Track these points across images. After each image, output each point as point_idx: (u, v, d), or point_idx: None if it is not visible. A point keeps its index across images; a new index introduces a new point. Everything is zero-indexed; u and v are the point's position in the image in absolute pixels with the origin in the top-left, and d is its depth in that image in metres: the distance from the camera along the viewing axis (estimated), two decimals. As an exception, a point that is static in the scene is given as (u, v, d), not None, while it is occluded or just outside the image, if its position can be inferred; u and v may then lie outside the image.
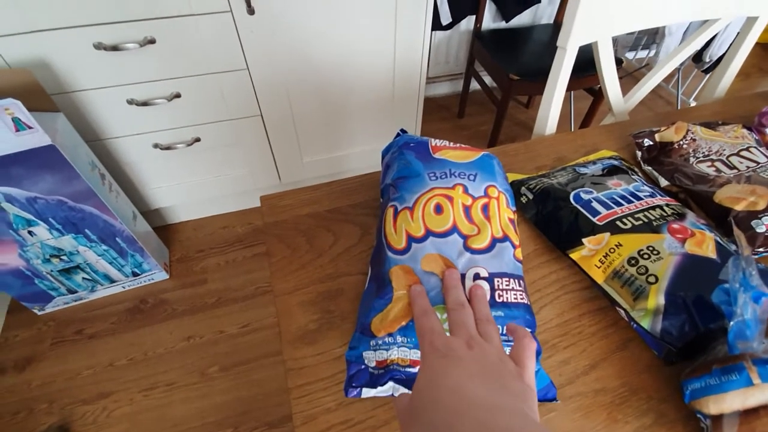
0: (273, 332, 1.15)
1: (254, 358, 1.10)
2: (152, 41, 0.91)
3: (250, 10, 0.92)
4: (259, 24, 0.96)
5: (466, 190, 0.38)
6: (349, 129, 1.28)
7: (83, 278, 1.12)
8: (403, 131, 0.47)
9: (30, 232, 0.95)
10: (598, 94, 1.50)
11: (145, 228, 1.17)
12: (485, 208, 0.37)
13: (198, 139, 1.12)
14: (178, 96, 1.01)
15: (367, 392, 0.33)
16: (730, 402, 0.31)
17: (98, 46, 0.88)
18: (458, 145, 0.43)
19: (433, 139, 0.44)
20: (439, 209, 0.37)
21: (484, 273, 0.34)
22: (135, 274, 1.19)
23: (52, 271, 1.05)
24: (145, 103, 0.99)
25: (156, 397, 1.03)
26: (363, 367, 0.34)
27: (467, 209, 0.37)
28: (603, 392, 0.37)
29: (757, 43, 2.20)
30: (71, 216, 0.96)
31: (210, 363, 1.09)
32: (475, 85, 1.96)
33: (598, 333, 0.40)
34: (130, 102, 0.99)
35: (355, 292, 0.42)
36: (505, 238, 0.36)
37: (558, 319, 0.41)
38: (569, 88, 1.41)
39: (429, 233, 0.35)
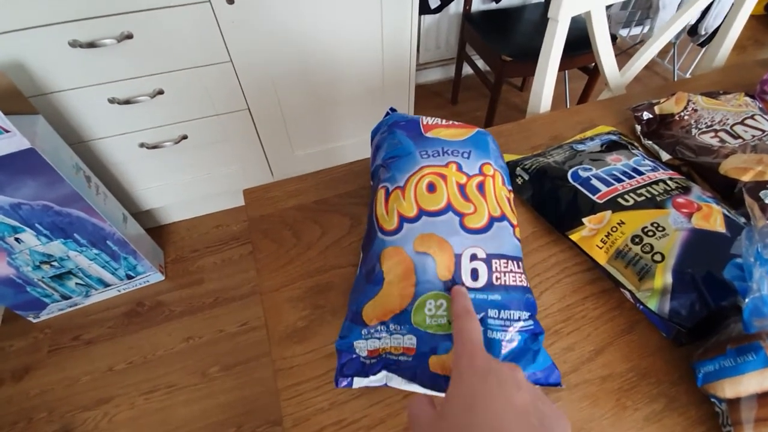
0: (272, 329, 1.14)
1: (255, 356, 1.08)
2: (129, 36, 0.88)
3: (230, 0, 0.88)
4: (240, 14, 0.92)
5: (460, 168, 0.36)
6: (340, 120, 1.25)
7: (76, 283, 1.10)
8: (393, 110, 0.45)
9: (17, 239, 0.92)
10: (593, 73, 1.47)
11: (136, 230, 1.15)
12: (481, 186, 0.35)
13: (185, 137, 1.09)
14: (161, 92, 0.98)
15: (359, 381, 0.31)
16: (746, 384, 0.29)
17: (74, 44, 0.85)
18: (451, 122, 0.41)
19: (424, 117, 0.41)
20: (432, 188, 0.34)
21: (481, 254, 0.32)
22: (129, 277, 1.17)
23: (43, 277, 1.03)
24: (127, 101, 0.96)
25: (157, 400, 1.01)
26: (354, 356, 0.32)
27: (462, 187, 0.35)
28: (610, 378, 0.35)
29: (751, 16, 2.16)
30: (58, 221, 0.93)
31: (211, 363, 1.07)
32: (467, 70, 1.92)
33: (602, 316, 0.38)
34: (112, 101, 0.96)
35: (346, 285, 0.40)
36: (503, 217, 0.34)
37: (560, 303, 0.39)
38: (564, 68, 1.38)
39: (422, 212, 0.33)
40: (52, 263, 1.01)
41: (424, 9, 1.51)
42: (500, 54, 1.30)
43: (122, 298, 1.20)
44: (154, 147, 1.08)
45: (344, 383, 0.31)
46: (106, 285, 1.16)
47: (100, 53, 0.88)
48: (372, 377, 0.31)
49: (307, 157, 1.30)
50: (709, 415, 0.33)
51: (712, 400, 0.32)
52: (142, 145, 1.07)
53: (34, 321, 1.15)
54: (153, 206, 1.26)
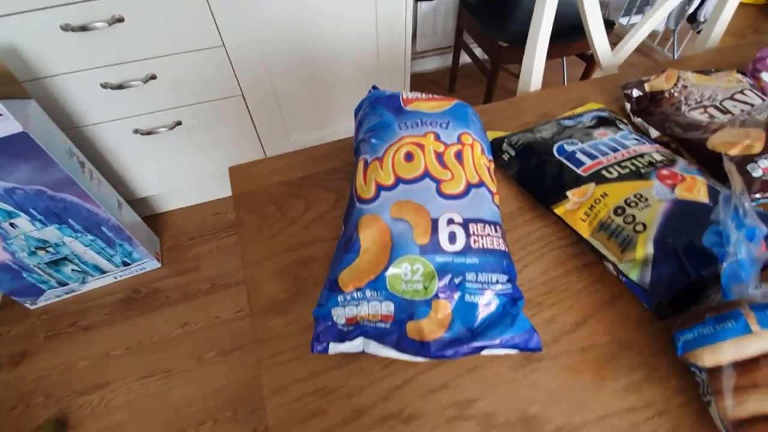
0: (268, 316, 1.14)
1: (250, 341, 1.09)
2: (120, 20, 0.87)
3: (221, -18, 0.88)
4: (233, -3, 0.92)
5: (438, 138, 0.36)
6: (335, 105, 1.25)
7: (72, 270, 1.11)
8: (375, 87, 0.45)
9: (12, 225, 0.93)
10: (590, 60, 1.45)
11: (132, 217, 1.15)
12: (458, 155, 0.35)
13: (179, 123, 1.09)
14: (153, 77, 0.97)
15: (335, 347, 0.31)
16: (725, 352, 0.29)
17: (66, 28, 0.85)
18: (431, 96, 0.40)
19: (404, 92, 0.41)
20: (409, 157, 0.35)
21: (458, 218, 0.32)
22: (126, 264, 1.17)
23: (39, 263, 1.04)
24: (120, 87, 0.96)
25: (154, 385, 1.02)
26: (331, 323, 0.32)
27: (440, 156, 0.35)
28: (591, 349, 0.35)
29: (751, 5, 2.13)
30: (52, 206, 0.93)
31: (207, 349, 1.08)
32: (465, 58, 1.91)
33: (585, 289, 0.38)
34: (104, 86, 0.96)
35: (329, 259, 0.40)
36: (481, 184, 0.34)
37: (543, 276, 0.39)
38: (560, 54, 1.37)
39: (399, 181, 0.33)
40: (48, 249, 1.02)
41: (421, -5, 1.50)
42: (497, 40, 1.28)
43: (119, 285, 1.20)
44: (149, 133, 1.08)
45: (319, 348, 0.31)
46: (103, 272, 1.16)
47: (92, 37, 0.88)
48: (349, 343, 0.31)
49: (303, 142, 1.30)
50: (690, 386, 0.33)
51: (692, 369, 0.31)
52: (136, 131, 1.07)
53: (31, 307, 1.15)
54: (148, 193, 1.26)
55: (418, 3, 1.61)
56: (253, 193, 0.46)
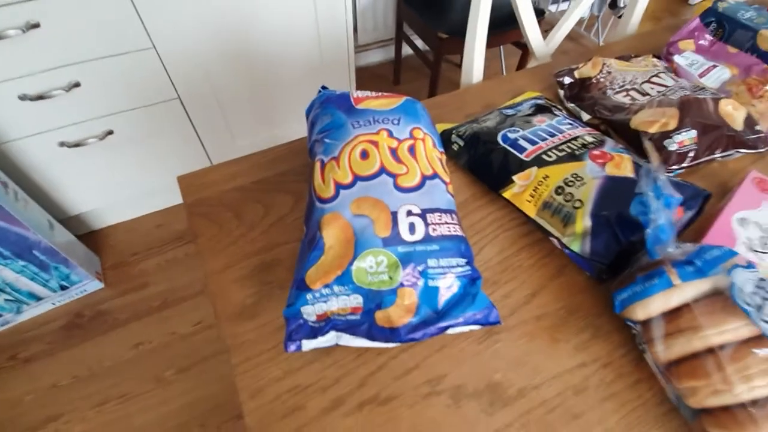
0: (229, 325, 1.11)
1: (213, 354, 1.06)
2: (36, 25, 0.80)
3: (147, -20, 0.83)
4: (160, -5, 0.87)
5: (390, 134, 0.37)
6: (281, 105, 1.23)
7: (5, 300, 1.01)
8: (324, 87, 0.45)
9: (-77, 258, 0.83)
10: (525, 48, 1.53)
11: (66, 237, 1.06)
12: (411, 149, 0.37)
13: (111, 132, 1.02)
14: (77, 85, 0.90)
15: (308, 344, 0.32)
16: (653, 305, 0.33)
17: (-31, 34, 0.76)
18: (380, 93, 0.42)
19: (354, 91, 0.42)
20: (365, 155, 0.36)
21: (416, 210, 0.33)
22: (64, 288, 1.09)
23: (-39, 297, 0.93)
24: (40, 97, 0.88)
25: (111, 411, 0.96)
26: (302, 321, 0.32)
27: (393, 151, 0.36)
28: (544, 317, 0.38)
29: (664, -12, 2.34)
30: (-29, 233, 0.84)
31: (165, 367, 1.03)
32: (407, 50, 1.93)
33: (536, 264, 0.41)
34: (23, 98, 0.87)
35: (293, 260, 0.40)
36: (435, 176, 0.36)
37: (498, 256, 0.42)
38: (498, 43, 1.43)
39: (357, 178, 0.34)
40: (-29, 280, 0.92)
41: (359, -11, 1.50)
42: (436, 32, 1.32)
43: (59, 311, 1.11)
44: (77, 145, 1.00)
45: (293, 347, 0.32)
46: (39, 298, 1.07)
47: (5, 45, 0.80)
48: (321, 338, 0.32)
49: (250, 145, 1.26)
50: (628, 339, 0.37)
51: (628, 323, 0.35)
52: (62, 144, 0.99)
53: (-43, 346, 1.04)
54: (83, 210, 1.17)
55: (356, -3, 1.60)
56: (207, 201, 0.45)
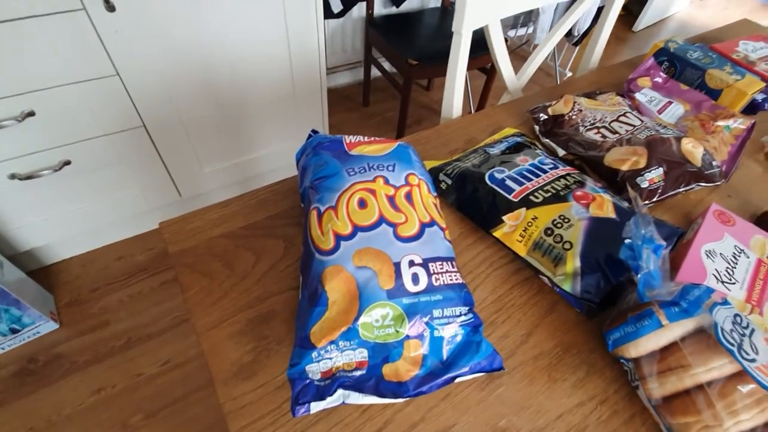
0: (200, 363, 1.05)
1: (183, 395, 0.99)
2: (-16, 51, 0.74)
3: (110, 7, 0.79)
4: (124, 22, 0.84)
5: (387, 181, 0.37)
6: (251, 130, 1.20)
7: (-60, 350, 0.91)
8: (315, 132, 0.45)
9: None
10: (490, 72, 1.60)
11: (16, 275, 0.98)
12: (408, 196, 0.37)
13: (68, 162, 0.96)
14: (31, 114, 0.84)
15: (317, 406, 0.31)
16: (645, 344, 0.35)
17: None
18: (372, 138, 0.42)
19: (347, 136, 0.42)
20: (363, 204, 0.36)
21: (418, 259, 0.34)
22: (14, 331, 0.99)
23: None
24: (-12, 127, 0.82)
25: (70, 467, 0.88)
26: (308, 381, 0.31)
27: (391, 199, 0.36)
28: (541, 356, 0.39)
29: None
30: None
31: (132, 412, 0.96)
32: (376, 72, 1.96)
33: (528, 302, 0.43)
34: (-33, 127, 0.80)
35: (290, 311, 0.39)
36: (433, 222, 0.37)
37: (492, 296, 0.43)
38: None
39: (357, 229, 0.34)
40: None
41: (328, 13, 1.51)
42: (406, 58, 1.35)
43: (9, 356, 1.01)
44: (29, 177, 0.93)
45: (302, 411, 0.30)
46: (-17, 345, 0.97)
47: (-56, 71, 0.73)
48: (329, 398, 0.31)
49: (220, 172, 1.22)
50: (621, 374, 0.38)
51: (621, 361, 0.37)
52: (13, 177, 0.91)
53: None
54: (35, 245, 1.08)
55: (325, 20, 1.62)
56: (194, 250, 0.43)
